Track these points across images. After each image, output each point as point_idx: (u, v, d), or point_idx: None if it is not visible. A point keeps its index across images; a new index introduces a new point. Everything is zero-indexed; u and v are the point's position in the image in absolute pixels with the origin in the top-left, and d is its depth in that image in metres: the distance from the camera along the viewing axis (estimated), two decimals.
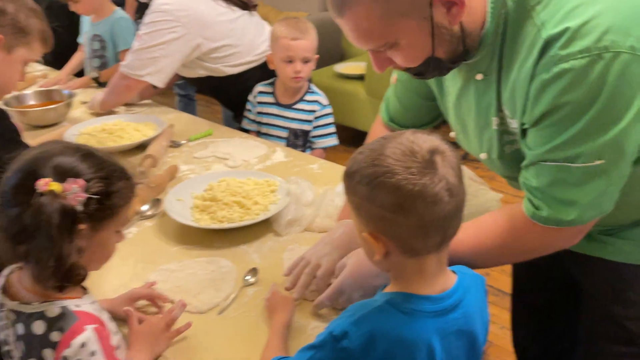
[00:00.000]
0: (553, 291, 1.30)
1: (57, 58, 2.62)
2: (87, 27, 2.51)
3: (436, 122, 1.23)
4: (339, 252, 1.06)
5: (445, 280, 0.83)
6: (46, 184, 0.78)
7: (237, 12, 2.02)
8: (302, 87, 1.88)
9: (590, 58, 0.77)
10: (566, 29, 0.78)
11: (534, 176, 0.88)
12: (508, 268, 2.40)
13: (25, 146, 1.20)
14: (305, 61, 1.79)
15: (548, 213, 0.88)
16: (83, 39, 2.56)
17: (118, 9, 2.48)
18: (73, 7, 2.35)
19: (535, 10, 0.83)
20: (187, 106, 3.50)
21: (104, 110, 2.06)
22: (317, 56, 1.84)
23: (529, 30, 0.83)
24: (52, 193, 0.78)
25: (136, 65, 1.91)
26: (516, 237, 0.94)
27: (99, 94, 2.09)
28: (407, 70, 0.94)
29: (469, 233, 0.94)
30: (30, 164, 0.82)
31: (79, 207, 0.80)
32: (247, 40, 2.02)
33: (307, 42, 1.77)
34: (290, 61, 1.78)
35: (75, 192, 0.79)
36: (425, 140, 0.76)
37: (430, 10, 0.82)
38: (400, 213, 0.74)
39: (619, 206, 0.94)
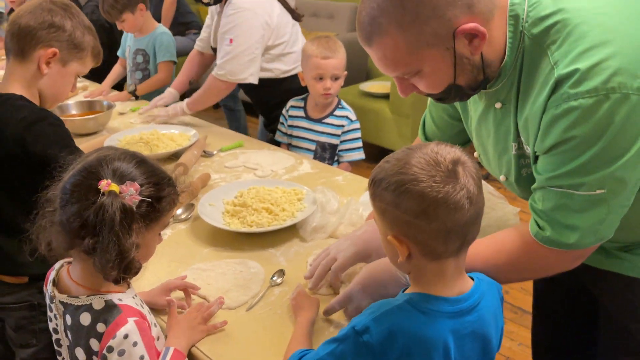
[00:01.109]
0: (572, 307, 1.32)
1: (95, 72, 2.77)
2: (130, 41, 2.65)
3: (469, 143, 1.28)
4: (355, 248, 1.12)
5: (463, 284, 0.87)
6: (108, 184, 0.86)
7: (291, 20, 2.15)
8: (332, 102, 1.97)
9: (598, 98, 0.81)
10: (576, 70, 0.82)
11: (540, 199, 0.93)
12: (528, 286, 2.42)
13: (79, 150, 1.29)
14: (335, 78, 1.87)
15: (551, 234, 0.92)
16: (126, 53, 2.70)
17: (160, 25, 2.63)
18: (120, 26, 2.52)
19: (550, 49, 0.87)
20: (232, 115, 3.64)
21: (192, 111, 2.16)
22: (345, 73, 1.92)
23: (544, 67, 0.88)
24: (112, 193, 0.85)
25: (237, 70, 2.02)
26: (521, 256, 0.97)
27: (172, 106, 2.18)
28: (429, 95, 1.00)
29: (480, 249, 0.99)
30: (91, 166, 0.90)
31: (134, 208, 0.87)
32: (298, 47, 2.14)
33: (337, 61, 1.86)
34: (320, 78, 1.87)
35: (131, 194, 0.87)
36: (449, 152, 0.82)
37: (453, 41, 0.88)
38: (423, 218, 0.79)
39: (635, 225, 0.98)
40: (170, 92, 2.32)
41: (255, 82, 2.07)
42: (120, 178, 0.88)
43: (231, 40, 2.00)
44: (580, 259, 0.96)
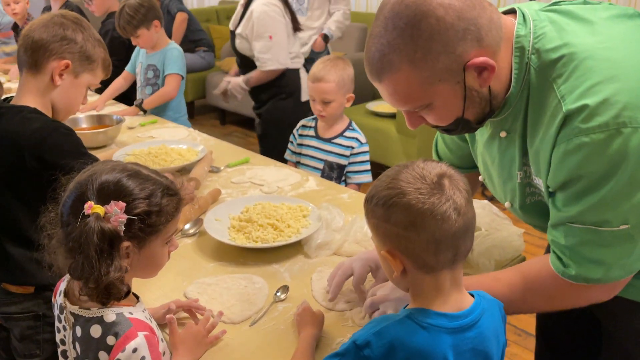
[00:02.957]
0: (576, 330, 1.32)
1: (107, 85, 2.84)
2: (142, 57, 2.70)
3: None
4: (365, 255, 1.16)
5: (463, 300, 0.88)
6: (90, 207, 0.84)
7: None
8: (343, 123, 1.99)
9: (610, 133, 0.82)
10: (586, 106, 0.84)
11: (563, 236, 0.93)
12: None
13: (92, 157, 1.30)
14: (326, 102, 1.88)
15: (576, 272, 0.92)
16: (137, 69, 2.74)
17: (172, 42, 2.67)
18: (135, 42, 2.57)
19: (556, 83, 0.88)
20: None
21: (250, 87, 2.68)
22: (350, 95, 1.92)
23: (550, 101, 0.89)
24: (96, 215, 0.84)
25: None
26: (552, 291, 0.97)
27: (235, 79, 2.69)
28: (436, 127, 1.01)
29: (505, 276, 1.01)
30: (79, 187, 0.89)
31: (121, 228, 0.85)
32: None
33: (326, 86, 1.86)
34: (314, 100, 1.90)
35: (116, 213, 0.84)
36: (434, 167, 0.85)
37: (464, 74, 0.89)
38: (412, 230, 0.82)
39: None
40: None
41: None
42: (106, 197, 0.85)
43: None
44: (615, 290, 0.96)
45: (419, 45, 0.87)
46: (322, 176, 1.94)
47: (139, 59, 2.72)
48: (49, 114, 1.33)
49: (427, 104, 0.94)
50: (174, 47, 2.63)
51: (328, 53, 3.45)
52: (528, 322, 2.31)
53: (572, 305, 1.00)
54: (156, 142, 2.10)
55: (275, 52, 2.55)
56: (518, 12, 0.96)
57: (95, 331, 0.88)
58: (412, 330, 0.83)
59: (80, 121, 2.32)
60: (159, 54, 2.62)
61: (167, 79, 2.61)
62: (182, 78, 2.65)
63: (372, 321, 0.87)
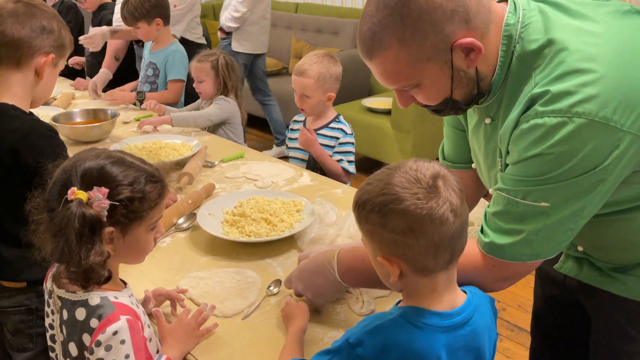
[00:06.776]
0: (568, 325, 1.32)
1: (112, 85, 2.89)
2: (146, 52, 2.71)
3: None
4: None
5: (455, 298, 0.88)
6: (72, 192, 0.85)
7: None
8: (329, 115, 1.99)
9: (562, 119, 0.83)
10: (547, 92, 0.85)
11: (492, 202, 0.95)
12: (524, 304, 2.43)
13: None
14: (305, 96, 1.90)
15: (490, 238, 0.93)
16: (141, 64, 2.76)
17: (176, 42, 2.67)
18: (134, 32, 2.58)
19: (535, 72, 0.90)
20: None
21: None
22: (330, 94, 1.92)
23: (527, 89, 0.91)
24: (78, 201, 0.85)
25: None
26: (466, 268, 0.97)
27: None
28: (425, 107, 1.02)
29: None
30: (64, 173, 0.90)
31: (104, 213, 0.86)
32: None
33: (305, 81, 1.88)
34: (296, 92, 1.93)
35: (99, 199, 0.85)
36: (427, 168, 0.84)
37: (451, 55, 0.90)
38: (411, 236, 0.81)
39: (622, 246, 1.00)
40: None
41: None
42: (89, 183, 0.87)
43: None
44: (509, 281, 0.97)
45: (407, 24, 0.88)
46: (308, 167, 1.95)
47: (144, 53, 2.74)
48: (27, 107, 1.29)
49: (416, 83, 0.95)
50: (176, 49, 2.62)
51: (229, 43, 3.76)
52: (521, 318, 2.32)
53: (484, 285, 0.98)
54: (150, 136, 2.10)
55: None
56: (509, 0, 0.97)
57: (80, 314, 0.89)
58: (406, 330, 0.83)
59: (75, 115, 2.31)
60: (161, 53, 2.62)
61: (169, 85, 2.62)
62: (184, 82, 2.65)
63: (365, 319, 0.87)
